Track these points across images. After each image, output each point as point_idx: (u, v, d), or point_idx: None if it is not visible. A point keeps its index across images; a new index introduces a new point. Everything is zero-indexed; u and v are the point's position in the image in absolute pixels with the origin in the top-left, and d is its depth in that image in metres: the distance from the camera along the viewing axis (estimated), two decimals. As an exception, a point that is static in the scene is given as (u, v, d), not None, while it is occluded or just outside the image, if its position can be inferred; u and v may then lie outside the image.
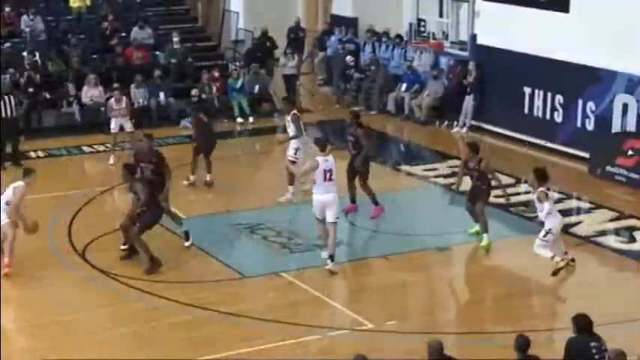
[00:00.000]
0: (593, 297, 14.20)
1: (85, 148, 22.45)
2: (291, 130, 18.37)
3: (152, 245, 15.17)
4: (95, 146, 22.45)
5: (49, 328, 13.42)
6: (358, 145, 17.48)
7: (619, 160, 19.95)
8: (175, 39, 26.10)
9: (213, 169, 19.45)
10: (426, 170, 20.92)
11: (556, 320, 13.89)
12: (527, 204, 16.83)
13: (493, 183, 16.45)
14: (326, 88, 28.97)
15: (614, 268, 16.03)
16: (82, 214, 17.82)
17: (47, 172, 19.01)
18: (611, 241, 16.85)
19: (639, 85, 20.21)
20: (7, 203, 14.83)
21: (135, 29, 26.49)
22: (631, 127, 20.29)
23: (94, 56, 25.83)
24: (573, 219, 17.74)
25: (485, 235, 16.13)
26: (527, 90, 22.74)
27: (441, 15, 25.54)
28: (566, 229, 16.55)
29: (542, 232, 14.91)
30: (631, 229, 17.37)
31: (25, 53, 24.55)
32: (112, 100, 21.41)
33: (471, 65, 23.79)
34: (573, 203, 19.02)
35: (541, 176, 15.04)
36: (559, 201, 17.94)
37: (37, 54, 24.80)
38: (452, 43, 25.23)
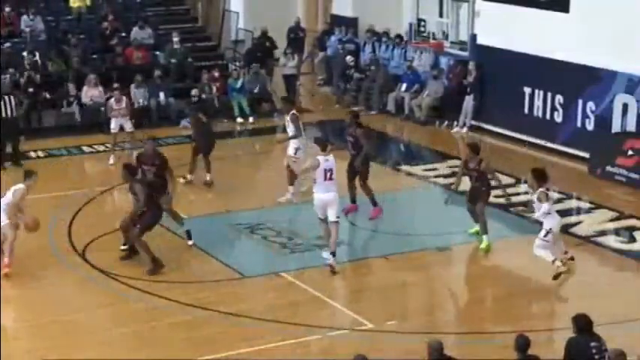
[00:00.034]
0: (593, 297, 14.20)
1: (85, 148, 22.46)
2: (291, 130, 18.38)
3: (152, 245, 15.16)
4: (95, 146, 22.45)
5: (49, 328, 13.42)
6: (358, 146, 17.48)
7: (619, 160, 19.95)
8: (175, 39, 26.10)
9: (212, 169, 19.46)
10: (426, 170, 20.92)
11: (556, 320, 13.90)
12: (527, 204, 16.84)
13: (493, 183, 16.46)
14: (326, 88, 28.97)
15: (614, 268, 16.03)
16: (82, 214, 17.83)
17: (47, 172, 18.99)
18: (611, 241, 16.85)
19: (639, 85, 20.21)
20: (7, 205, 14.85)
21: (135, 29, 26.49)
22: (631, 127, 20.29)
23: (94, 56, 25.82)
24: (573, 219, 17.75)
25: (484, 237, 16.12)
26: (527, 90, 22.73)
27: (441, 15, 25.54)
28: (566, 229, 16.57)
29: (543, 232, 14.90)
30: (631, 229, 17.37)
31: (25, 53, 24.55)
32: (112, 100, 21.42)
33: (471, 65, 23.80)
34: (573, 203, 19.02)
35: (539, 176, 15.03)
36: (559, 201, 17.98)
37: (37, 54, 24.80)
38: (452, 43, 25.23)
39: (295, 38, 29.42)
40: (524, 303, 14.52)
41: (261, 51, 27.95)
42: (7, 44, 25.07)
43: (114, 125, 21.21)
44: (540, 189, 14.84)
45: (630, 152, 19.77)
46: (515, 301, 14.43)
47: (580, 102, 21.47)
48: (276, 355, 12.64)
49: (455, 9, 25.16)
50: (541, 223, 15.02)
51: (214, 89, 25.22)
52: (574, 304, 13.90)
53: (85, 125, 23.60)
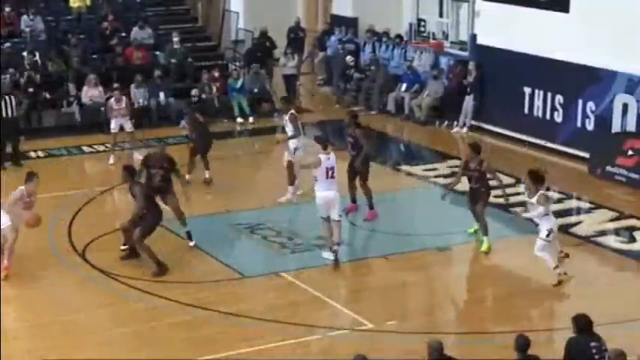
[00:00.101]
0: (593, 297, 14.19)
1: (85, 148, 22.46)
2: (289, 129, 18.38)
3: (153, 246, 15.16)
4: (95, 146, 22.45)
5: (49, 328, 13.43)
6: (357, 146, 17.48)
7: (619, 160, 19.95)
8: (175, 39, 26.10)
9: (212, 169, 19.48)
10: (426, 170, 20.92)
11: (556, 320, 13.90)
12: (523, 205, 16.84)
13: (494, 183, 16.45)
14: (326, 88, 28.97)
15: (614, 268, 16.03)
16: (82, 214, 17.83)
17: (47, 172, 18.96)
18: (611, 241, 16.84)
19: (639, 85, 20.21)
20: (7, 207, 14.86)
21: (135, 29, 26.49)
22: (631, 127, 20.29)
23: (94, 56, 25.83)
24: (573, 219, 17.76)
25: (485, 239, 16.11)
26: (527, 90, 22.73)
27: (441, 15, 25.54)
28: (566, 229, 16.59)
29: (544, 232, 14.86)
30: (631, 229, 17.36)
31: (25, 53, 24.56)
32: (112, 100, 21.42)
33: (471, 65, 23.79)
34: (573, 203, 19.03)
35: (535, 178, 14.97)
36: (559, 201, 17.98)
37: (37, 54, 24.80)
38: (452, 43, 25.23)
39: (295, 38, 29.42)
40: (524, 303, 14.51)
41: (261, 51, 27.94)
42: (7, 44, 25.07)
43: (114, 125, 21.21)
44: (541, 192, 14.79)
45: (630, 152, 19.77)
46: (515, 301, 14.42)
47: (580, 102, 21.47)
48: (276, 355, 12.64)
49: (455, 9, 25.16)
50: (535, 223, 15.01)
51: (214, 89, 25.22)
52: (574, 304, 13.89)
53: (85, 125, 23.60)
